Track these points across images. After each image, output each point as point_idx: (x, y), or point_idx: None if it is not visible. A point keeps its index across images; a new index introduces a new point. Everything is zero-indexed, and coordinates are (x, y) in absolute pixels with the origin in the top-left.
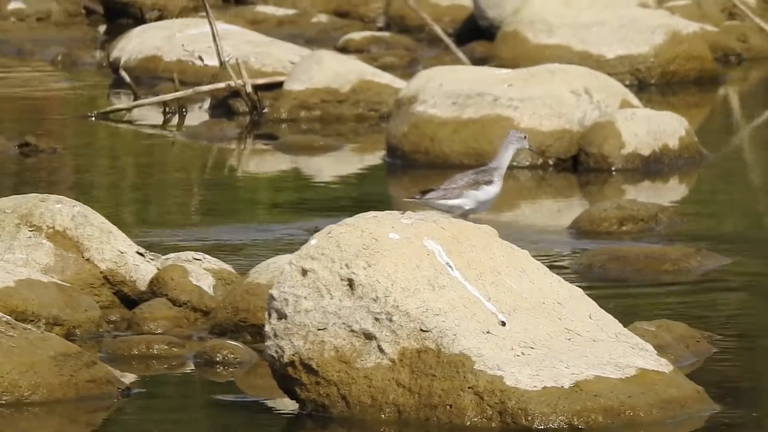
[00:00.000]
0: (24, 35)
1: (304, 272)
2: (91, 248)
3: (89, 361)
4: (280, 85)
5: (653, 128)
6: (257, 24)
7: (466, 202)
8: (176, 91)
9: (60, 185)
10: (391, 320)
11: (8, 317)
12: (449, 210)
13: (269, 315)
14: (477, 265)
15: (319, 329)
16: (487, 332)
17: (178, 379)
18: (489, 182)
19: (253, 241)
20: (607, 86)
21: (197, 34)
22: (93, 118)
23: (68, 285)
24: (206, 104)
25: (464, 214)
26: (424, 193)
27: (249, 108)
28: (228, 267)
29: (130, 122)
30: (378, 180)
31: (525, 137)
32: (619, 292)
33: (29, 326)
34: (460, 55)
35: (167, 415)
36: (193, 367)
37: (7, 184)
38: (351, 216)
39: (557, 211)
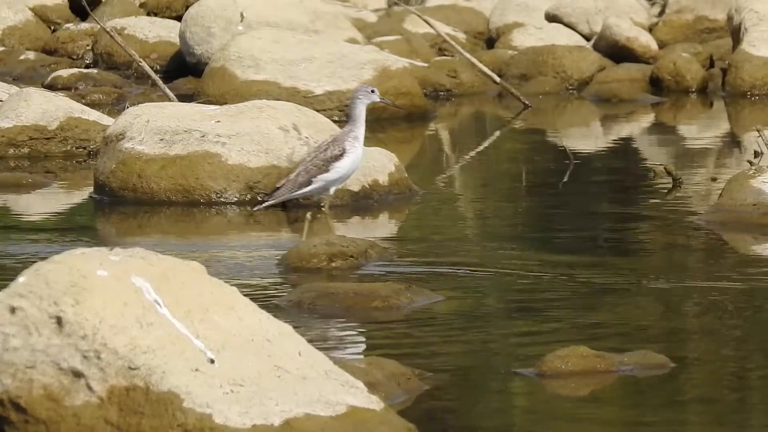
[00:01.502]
0: None
1: (13, 310)
2: None
3: None
4: None
5: (362, 164)
6: None
7: (318, 187)
8: None
9: None
10: (99, 358)
11: None
12: (308, 196)
13: None
14: (186, 303)
15: (28, 367)
16: (196, 370)
17: None
18: (340, 156)
19: None
20: (315, 122)
21: None
22: None
23: None
24: None
25: (326, 193)
26: (270, 194)
27: None
28: None
29: None
30: (86, 217)
31: (373, 90)
32: (329, 329)
33: None
34: (168, 91)
35: None
36: None
37: None
38: (59, 253)
39: (266, 248)
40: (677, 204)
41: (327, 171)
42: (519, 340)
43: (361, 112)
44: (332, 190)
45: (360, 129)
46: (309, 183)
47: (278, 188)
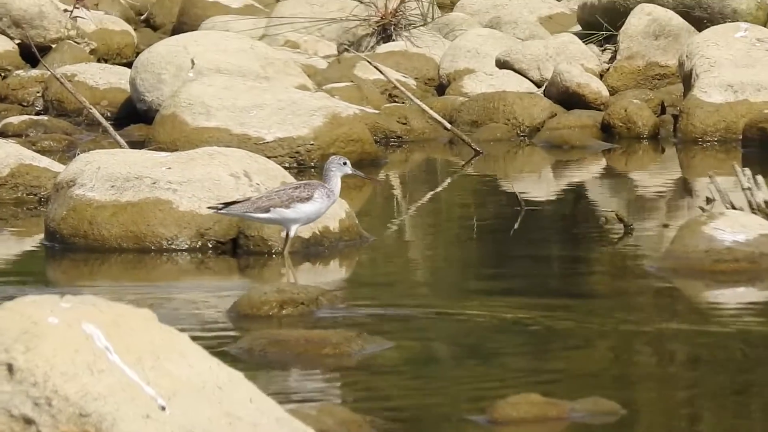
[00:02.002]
0: None
1: None
2: None
3: None
4: None
5: None
6: None
7: (273, 218)
8: None
9: None
10: (50, 405)
11: None
12: (260, 221)
13: None
14: (136, 349)
15: None
16: (147, 416)
17: None
18: (306, 199)
19: None
20: (266, 169)
21: None
22: None
23: None
24: None
25: (288, 235)
26: (227, 205)
27: None
28: None
29: None
30: (37, 264)
31: (345, 162)
32: (280, 376)
33: None
34: (118, 138)
35: None
36: None
37: None
38: (10, 300)
39: (217, 295)
40: (629, 250)
41: (287, 208)
42: (470, 387)
43: (336, 183)
44: (292, 232)
45: (335, 189)
46: (266, 211)
47: (236, 202)
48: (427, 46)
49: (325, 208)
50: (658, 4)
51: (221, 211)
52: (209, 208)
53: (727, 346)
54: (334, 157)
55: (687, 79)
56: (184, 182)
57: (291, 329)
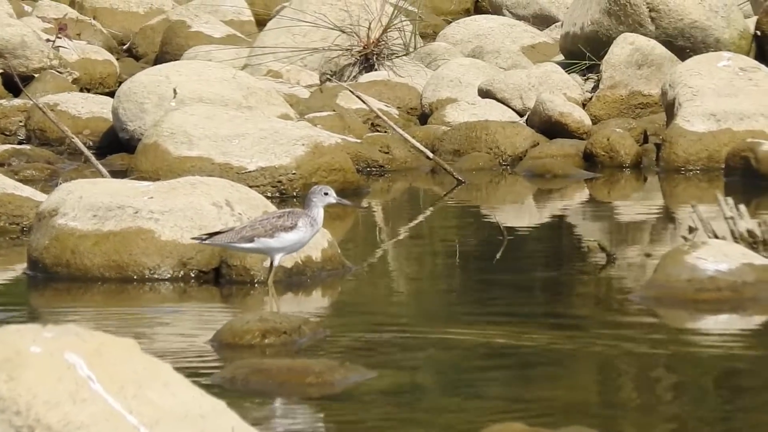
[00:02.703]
0: None
1: None
2: None
3: None
4: None
5: None
6: None
7: (257, 248)
8: None
9: None
10: None
11: None
12: (244, 251)
13: None
14: (119, 378)
15: None
16: None
17: None
18: (290, 228)
19: None
20: (248, 198)
21: None
22: None
23: None
24: None
25: (272, 263)
26: (210, 235)
27: None
28: None
29: None
30: (20, 293)
31: (326, 193)
32: (263, 406)
33: None
34: (101, 167)
35: None
36: None
37: None
38: None
39: (199, 324)
40: (611, 280)
41: (272, 237)
42: (454, 416)
43: (319, 213)
44: (276, 261)
45: (318, 218)
46: (250, 241)
47: (219, 233)
48: (410, 75)
49: (309, 237)
50: (641, 34)
51: (205, 242)
52: (193, 239)
53: (710, 375)
54: (316, 186)
55: (670, 108)
56: (166, 211)
57: (274, 358)
